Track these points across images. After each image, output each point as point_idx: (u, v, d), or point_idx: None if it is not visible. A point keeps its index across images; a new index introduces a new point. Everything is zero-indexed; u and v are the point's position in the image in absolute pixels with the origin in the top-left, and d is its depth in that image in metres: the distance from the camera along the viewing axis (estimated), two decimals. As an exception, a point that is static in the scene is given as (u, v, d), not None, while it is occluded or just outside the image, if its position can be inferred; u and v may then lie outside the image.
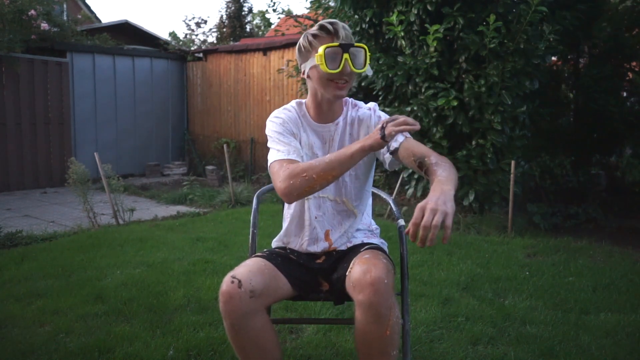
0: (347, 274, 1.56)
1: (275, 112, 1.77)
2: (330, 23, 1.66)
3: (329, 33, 1.65)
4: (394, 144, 1.65)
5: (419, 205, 1.29)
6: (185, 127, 10.22)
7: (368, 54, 1.66)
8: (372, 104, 1.82)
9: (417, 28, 4.99)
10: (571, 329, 2.59)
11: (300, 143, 1.74)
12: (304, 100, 1.82)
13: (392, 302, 1.44)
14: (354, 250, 1.75)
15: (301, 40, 1.71)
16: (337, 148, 1.75)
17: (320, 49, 1.62)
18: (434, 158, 1.52)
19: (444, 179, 1.40)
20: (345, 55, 1.61)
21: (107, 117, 8.99)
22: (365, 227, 1.88)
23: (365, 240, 1.83)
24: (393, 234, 3.88)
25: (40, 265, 3.63)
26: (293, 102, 1.82)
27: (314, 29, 1.68)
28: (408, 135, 1.68)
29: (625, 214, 5.41)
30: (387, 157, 1.70)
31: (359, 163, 1.71)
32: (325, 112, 1.76)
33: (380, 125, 1.50)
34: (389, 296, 1.43)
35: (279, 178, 1.56)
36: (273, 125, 1.73)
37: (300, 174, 1.53)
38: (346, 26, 1.67)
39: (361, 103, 1.83)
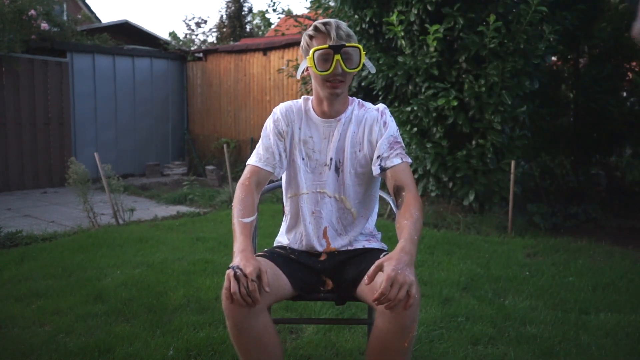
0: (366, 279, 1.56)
1: (278, 106, 1.85)
2: (324, 23, 1.67)
3: (322, 33, 1.67)
4: (388, 163, 1.70)
5: (386, 274, 1.35)
6: (185, 127, 10.22)
7: (362, 52, 1.67)
8: (381, 106, 1.82)
9: (417, 28, 4.99)
10: (571, 329, 2.59)
11: (291, 139, 1.79)
12: (311, 97, 1.85)
13: (417, 315, 1.45)
14: (367, 254, 1.74)
15: (302, 40, 1.75)
16: (336, 144, 1.77)
17: (311, 52, 1.66)
18: (411, 195, 1.63)
19: (407, 243, 1.46)
20: (337, 57, 1.64)
21: (107, 117, 8.99)
22: (367, 232, 1.87)
23: (367, 245, 1.82)
24: (393, 234, 3.89)
25: (40, 265, 3.63)
26: (301, 98, 1.86)
27: (309, 30, 1.71)
28: (406, 159, 1.72)
29: (625, 214, 5.40)
30: (375, 168, 1.73)
31: (359, 159, 1.77)
32: (327, 108, 1.77)
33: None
34: (416, 310, 1.43)
35: (240, 180, 1.74)
36: (267, 123, 1.83)
37: (235, 198, 1.69)
38: (342, 25, 1.68)
39: (369, 104, 1.83)
